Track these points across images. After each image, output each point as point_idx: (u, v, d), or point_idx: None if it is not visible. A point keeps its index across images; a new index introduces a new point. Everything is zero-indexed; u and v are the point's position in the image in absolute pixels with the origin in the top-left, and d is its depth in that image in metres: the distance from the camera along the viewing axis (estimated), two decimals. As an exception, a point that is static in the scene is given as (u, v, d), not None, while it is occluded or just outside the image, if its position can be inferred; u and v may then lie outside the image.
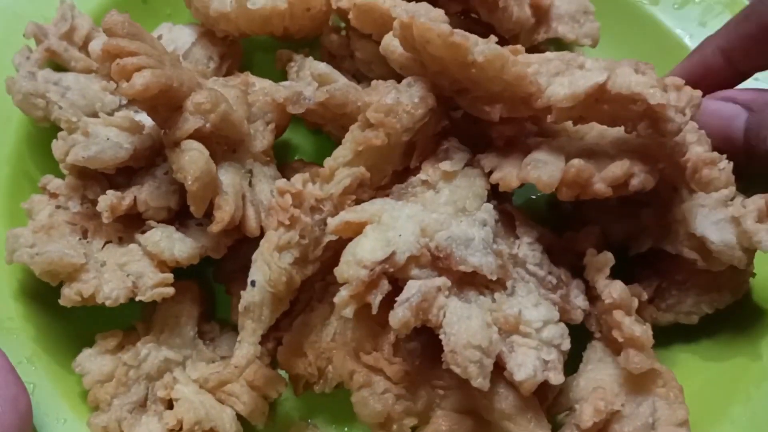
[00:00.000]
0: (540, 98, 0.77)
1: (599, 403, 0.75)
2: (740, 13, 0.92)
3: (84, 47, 0.95)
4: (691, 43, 1.04)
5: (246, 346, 0.71)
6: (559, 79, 0.78)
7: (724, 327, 0.87)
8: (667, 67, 1.02)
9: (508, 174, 0.79)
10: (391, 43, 0.82)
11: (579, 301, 0.80)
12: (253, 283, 0.74)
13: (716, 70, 0.93)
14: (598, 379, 0.78)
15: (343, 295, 0.67)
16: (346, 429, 0.83)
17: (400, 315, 0.66)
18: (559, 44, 1.04)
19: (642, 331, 0.76)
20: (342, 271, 0.68)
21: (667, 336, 0.86)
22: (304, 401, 0.84)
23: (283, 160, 0.95)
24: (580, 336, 0.79)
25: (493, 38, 0.79)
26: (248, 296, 0.73)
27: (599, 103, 0.77)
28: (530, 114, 0.80)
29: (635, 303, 0.78)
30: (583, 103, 0.76)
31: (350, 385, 0.72)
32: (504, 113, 0.81)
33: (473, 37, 0.76)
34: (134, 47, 0.76)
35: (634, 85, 0.74)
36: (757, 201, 0.78)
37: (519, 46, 0.81)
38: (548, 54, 0.81)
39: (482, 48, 0.75)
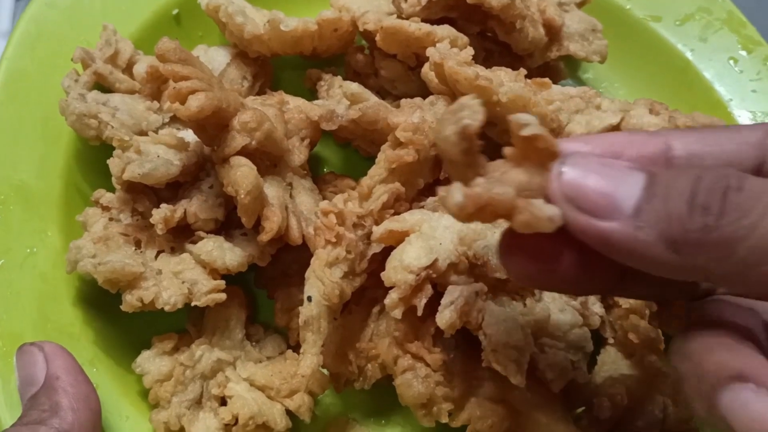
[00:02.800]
0: (560, 134, 0.84)
1: (617, 396, 0.82)
2: None
3: (127, 70, 1.01)
4: (693, 57, 1.11)
5: (310, 357, 0.77)
6: (578, 118, 0.85)
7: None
8: (672, 82, 1.09)
9: None
10: (429, 72, 0.89)
11: (596, 308, 0.87)
12: (309, 299, 0.80)
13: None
14: (614, 378, 0.85)
15: (393, 297, 0.73)
16: (383, 422, 0.90)
17: (447, 316, 0.72)
18: (569, 60, 1.11)
19: (656, 334, 0.83)
20: (390, 275, 0.75)
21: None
22: (342, 397, 0.91)
23: (314, 173, 1.01)
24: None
25: (523, 72, 0.87)
26: (306, 311, 0.79)
27: None
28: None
29: (647, 312, 0.85)
30: None
31: (394, 370, 0.78)
32: (529, 147, 0.88)
33: (498, 78, 0.83)
34: (187, 71, 0.82)
35: (646, 127, 0.80)
36: None
37: (547, 80, 0.88)
38: (570, 90, 0.88)
39: (506, 89, 0.82)
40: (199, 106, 0.80)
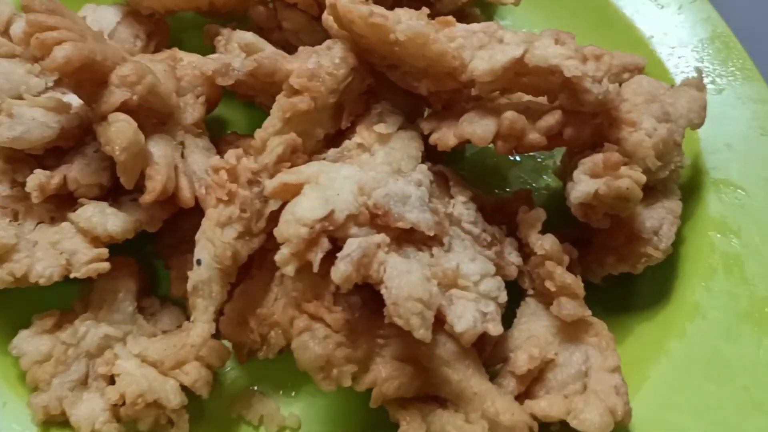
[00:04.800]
0: (464, 72, 0.79)
1: (533, 350, 0.76)
2: None
3: (5, 33, 0.93)
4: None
5: (201, 325, 0.72)
6: (480, 53, 0.79)
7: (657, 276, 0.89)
8: (592, 22, 1.04)
9: (445, 134, 0.80)
10: (328, 18, 0.83)
11: (513, 257, 0.82)
12: (198, 262, 0.74)
13: None
14: (532, 329, 0.80)
15: (284, 252, 0.67)
16: (293, 394, 0.84)
17: (342, 269, 0.66)
18: (485, 7, 1.06)
19: (573, 279, 0.77)
20: (282, 230, 0.68)
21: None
22: (248, 369, 0.84)
23: (217, 135, 0.94)
24: (513, 296, 0.80)
25: (425, 11, 0.81)
26: (195, 275, 0.73)
27: (519, 76, 0.78)
28: (457, 87, 0.82)
29: (566, 258, 0.79)
30: (503, 77, 0.78)
31: (291, 333, 0.72)
32: (431, 87, 0.82)
33: (395, 16, 0.77)
34: (54, 21, 0.75)
35: (551, 58, 0.75)
36: (597, 155, 0.78)
37: (450, 18, 0.82)
38: (474, 26, 0.82)
39: (403, 27, 0.76)
40: (65, 57, 0.73)
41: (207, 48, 1.00)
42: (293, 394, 0.84)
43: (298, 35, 0.99)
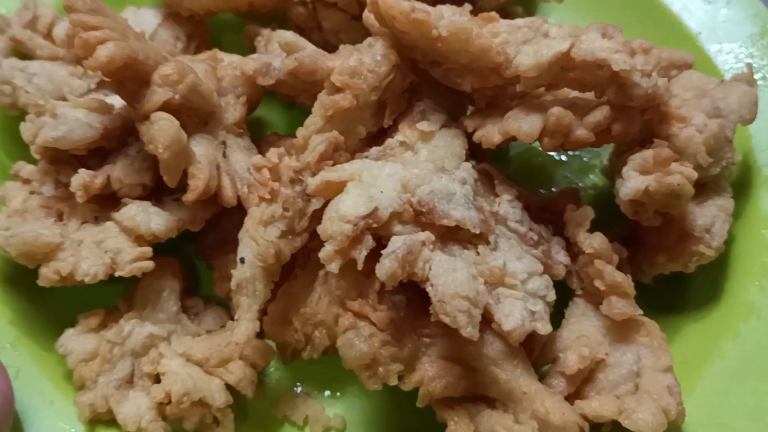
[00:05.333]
0: (509, 68, 0.77)
1: (583, 349, 0.75)
2: None
3: (48, 35, 0.94)
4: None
5: (245, 323, 0.71)
6: (525, 48, 0.78)
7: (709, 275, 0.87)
8: (638, 19, 1.03)
9: (490, 131, 0.79)
10: (369, 16, 0.82)
11: (560, 256, 0.80)
12: (242, 260, 0.74)
13: None
14: (582, 329, 0.78)
15: (328, 249, 0.66)
16: (338, 394, 0.83)
17: (387, 266, 0.65)
18: (527, 6, 1.04)
19: (623, 278, 0.76)
20: (326, 228, 0.67)
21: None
22: (293, 369, 0.83)
23: (258, 136, 0.94)
24: (561, 297, 0.78)
25: (468, 7, 0.80)
26: (239, 274, 0.73)
27: (565, 71, 0.77)
28: (501, 83, 0.80)
29: (616, 258, 0.77)
30: (549, 72, 0.77)
31: (336, 331, 0.71)
32: (475, 83, 0.81)
33: (437, 12, 0.76)
34: (97, 21, 0.75)
35: (598, 52, 0.73)
36: (647, 151, 0.76)
37: (493, 13, 0.81)
38: (518, 21, 0.81)
39: (446, 22, 0.75)
40: (109, 56, 0.73)
41: (246, 49, 1.00)
42: (338, 394, 0.83)
43: (338, 35, 0.99)
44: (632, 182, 0.73)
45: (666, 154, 0.73)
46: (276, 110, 1.02)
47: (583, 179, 0.98)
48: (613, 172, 0.86)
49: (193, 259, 0.89)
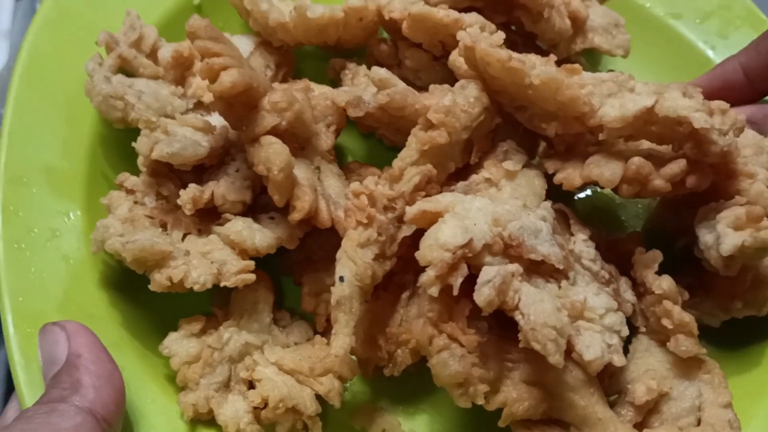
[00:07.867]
0: (593, 117, 0.84)
1: (651, 382, 0.81)
2: (764, 33, 0.99)
3: (151, 55, 1.00)
4: (714, 55, 1.12)
5: (342, 338, 0.76)
6: (611, 101, 0.84)
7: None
8: (692, 78, 1.09)
9: (571, 174, 0.85)
10: (457, 60, 0.89)
11: (628, 295, 0.86)
12: (341, 279, 0.78)
13: (735, 86, 0.99)
14: (648, 363, 0.84)
15: (430, 274, 0.72)
16: (411, 410, 0.88)
17: (486, 293, 0.71)
18: (593, 54, 1.11)
19: (690, 318, 0.82)
20: (425, 254, 0.73)
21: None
22: (370, 384, 0.89)
23: (337, 163, 1.00)
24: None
25: (553, 57, 0.87)
26: (339, 291, 0.78)
27: (647, 125, 0.83)
28: (583, 131, 0.87)
29: (680, 299, 0.84)
30: (633, 125, 0.83)
31: (428, 350, 0.76)
32: (559, 130, 0.87)
33: (530, 61, 0.83)
34: (219, 48, 0.81)
35: (680, 109, 0.79)
36: (737, 208, 0.81)
37: (577, 66, 0.88)
38: (603, 75, 0.88)
39: (538, 71, 0.81)
40: (232, 82, 0.79)
41: (322, 77, 1.06)
42: (412, 411, 0.88)
43: (418, 73, 1.05)
44: (730, 239, 0.79)
45: (758, 212, 0.79)
46: (353, 139, 1.08)
47: (638, 225, 1.04)
48: (661, 221, 0.93)
49: (277, 274, 0.95)
